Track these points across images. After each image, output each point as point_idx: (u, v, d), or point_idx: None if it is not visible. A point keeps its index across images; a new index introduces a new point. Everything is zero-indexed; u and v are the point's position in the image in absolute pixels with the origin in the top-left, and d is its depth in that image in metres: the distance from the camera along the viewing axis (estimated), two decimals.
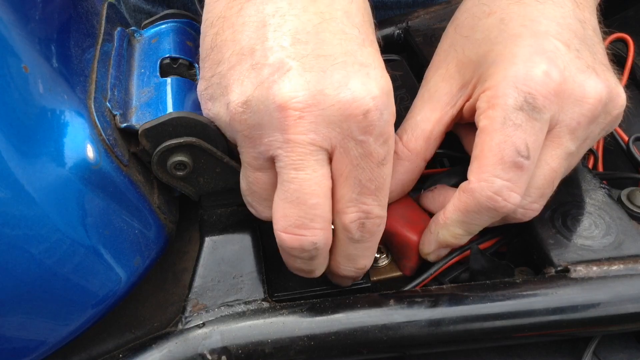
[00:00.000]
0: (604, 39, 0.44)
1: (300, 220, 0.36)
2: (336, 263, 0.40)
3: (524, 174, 0.38)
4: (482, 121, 0.40)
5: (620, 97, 0.40)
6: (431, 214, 0.46)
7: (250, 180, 0.39)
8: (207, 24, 0.39)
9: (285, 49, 0.34)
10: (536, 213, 0.42)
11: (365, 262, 0.41)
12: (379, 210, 0.37)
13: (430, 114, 0.44)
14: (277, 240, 0.38)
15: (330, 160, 0.36)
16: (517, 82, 0.38)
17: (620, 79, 0.43)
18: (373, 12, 0.39)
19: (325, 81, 0.34)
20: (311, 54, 0.34)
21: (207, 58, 0.39)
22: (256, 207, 0.41)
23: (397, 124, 0.41)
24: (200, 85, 0.40)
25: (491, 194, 0.38)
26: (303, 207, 0.36)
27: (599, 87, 0.39)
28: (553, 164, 0.39)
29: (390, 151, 0.37)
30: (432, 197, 0.46)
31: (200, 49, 0.40)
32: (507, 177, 0.38)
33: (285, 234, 0.37)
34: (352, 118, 0.34)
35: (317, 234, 0.36)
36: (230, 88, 0.36)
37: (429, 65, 0.47)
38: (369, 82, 0.34)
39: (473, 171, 0.40)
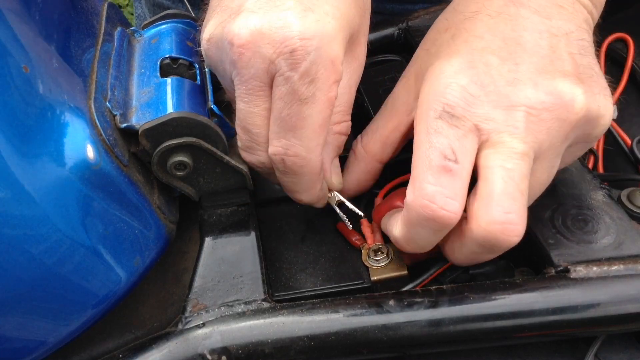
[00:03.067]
0: (602, 41, 0.43)
1: (248, 144, 0.43)
2: (275, 178, 0.45)
3: (457, 179, 0.37)
4: (414, 138, 0.41)
5: (576, 101, 0.38)
6: None
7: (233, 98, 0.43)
8: None
9: None
10: (518, 227, 0.38)
11: (301, 197, 0.45)
12: (298, 149, 0.40)
13: (388, 121, 0.46)
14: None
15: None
16: (436, 96, 0.39)
17: (613, 90, 0.42)
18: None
19: (265, 21, 0.37)
20: (262, 3, 0.38)
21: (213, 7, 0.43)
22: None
23: None
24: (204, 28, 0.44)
25: (425, 202, 0.37)
26: (249, 134, 0.42)
27: (530, 94, 0.38)
28: (506, 165, 0.38)
29: (317, 94, 0.38)
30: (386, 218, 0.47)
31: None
32: (438, 183, 0.37)
33: (242, 151, 0.44)
34: (281, 55, 0.37)
35: (262, 156, 0.43)
36: (204, 28, 0.43)
37: None
38: (305, 23, 0.37)
39: (409, 186, 0.39)
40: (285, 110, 0.39)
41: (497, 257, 0.45)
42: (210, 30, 0.41)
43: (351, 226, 0.47)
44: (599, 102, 0.39)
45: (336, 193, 0.47)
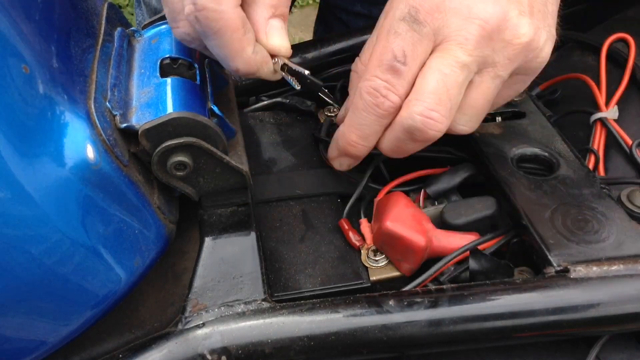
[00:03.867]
0: (603, 41, 0.44)
1: (171, 16, 0.44)
2: None
3: (401, 78, 0.43)
4: (375, 31, 0.46)
5: (521, 27, 0.42)
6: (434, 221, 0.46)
7: None
8: None
9: None
10: (438, 124, 0.43)
11: (236, 64, 0.44)
12: (205, 1, 0.40)
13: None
14: None
15: None
16: None
17: (558, 30, 0.46)
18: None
19: None
20: None
21: None
22: None
23: None
24: None
25: (371, 89, 0.43)
26: (168, 4, 0.44)
27: (490, 10, 0.42)
28: (445, 70, 0.43)
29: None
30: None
31: None
32: (385, 78, 0.43)
33: (173, 29, 0.45)
34: None
35: (183, 26, 0.44)
36: None
37: None
38: None
39: (362, 75, 0.45)
40: None
41: (497, 257, 0.45)
42: None
43: (298, 87, 0.48)
44: (541, 36, 0.44)
45: (280, 58, 0.46)
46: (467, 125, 0.46)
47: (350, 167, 0.51)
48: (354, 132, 0.46)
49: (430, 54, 0.43)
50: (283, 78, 0.47)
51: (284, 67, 0.46)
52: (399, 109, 0.44)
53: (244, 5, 0.43)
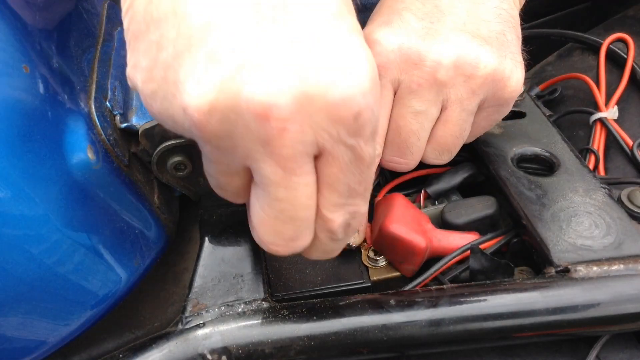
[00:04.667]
0: (602, 41, 0.44)
1: (295, 235, 0.33)
2: (309, 254, 0.37)
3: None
4: None
5: (481, 60, 0.42)
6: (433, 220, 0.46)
7: (220, 183, 0.34)
8: None
9: (248, 31, 0.27)
10: (403, 166, 0.47)
11: (338, 252, 0.38)
12: (364, 208, 0.34)
13: None
14: (262, 246, 0.35)
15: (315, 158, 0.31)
16: None
17: (523, 62, 0.46)
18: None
19: (307, 78, 0.27)
20: (282, 38, 0.28)
21: (141, 37, 0.30)
22: (227, 198, 0.36)
23: None
24: (136, 75, 0.31)
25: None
26: (296, 222, 0.32)
27: (444, 51, 0.42)
28: (399, 122, 0.45)
29: (377, 145, 0.41)
30: None
31: (127, 23, 0.31)
32: None
33: (275, 246, 0.34)
34: (341, 122, 0.28)
35: (307, 240, 0.34)
36: (182, 86, 0.28)
37: None
38: (356, 71, 0.28)
39: None
40: (353, 179, 0.31)
41: (497, 257, 0.45)
42: (208, 95, 0.28)
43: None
44: (505, 65, 0.43)
45: None
46: (438, 159, 0.48)
47: None
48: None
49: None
50: None
51: None
52: (378, 157, 0.46)
53: None
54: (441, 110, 0.45)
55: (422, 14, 0.44)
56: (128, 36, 0.32)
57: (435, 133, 0.46)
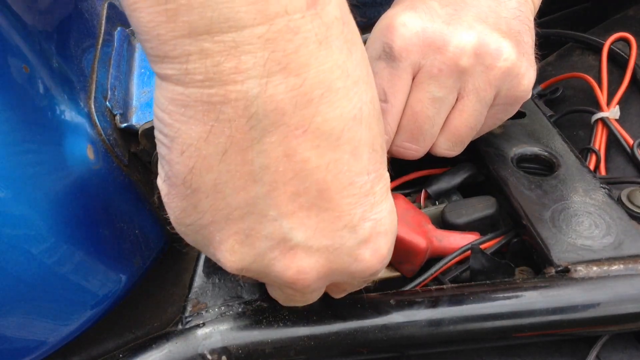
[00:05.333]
0: (604, 40, 0.43)
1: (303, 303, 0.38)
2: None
3: (385, 115, 0.44)
4: None
5: (502, 52, 0.42)
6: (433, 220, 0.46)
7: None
8: (175, 141, 0.28)
9: (285, 216, 0.29)
10: (414, 153, 0.47)
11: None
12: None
13: None
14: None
15: None
16: (379, 34, 0.44)
17: (537, 56, 0.46)
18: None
19: (334, 259, 0.31)
20: (314, 217, 0.30)
21: (179, 192, 0.30)
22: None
23: None
24: (171, 206, 0.31)
25: None
26: (306, 303, 0.37)
27: (467, 38, 0.42)
28: (415, 107, 0.44)
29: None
30: None
31: (163, 162, 0.30)
32: None
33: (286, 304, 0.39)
34: (357, 278, 0.33)
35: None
36: (217, 246, 0.31)
37: None
38: (378, 247, 0.32)
39: None
40: (353, 288, 0.38)
41: (497, 257, 0.45)
42: (242, 261, 0.31)
43: None
44: (522, 62, 0.43)
45: None
46: (450, 149, 0.47)
47: None
48: None
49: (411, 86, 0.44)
50: None
51: None
52: (390, 142, 0.46)
53: None
54: (457, 99, 0.44)
55: (445, 1, 0.44)
56: (161, 164, 0.31)
57: (450, 122, 0.45)
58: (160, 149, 0.30)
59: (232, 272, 0.31)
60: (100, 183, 0.37)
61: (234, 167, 0.28)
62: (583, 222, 0.44)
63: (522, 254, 0.46)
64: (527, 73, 0.44)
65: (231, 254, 0.30)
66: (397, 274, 0.46)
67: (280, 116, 0.27)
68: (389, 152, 0.47)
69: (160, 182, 0.31)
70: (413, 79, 0.44)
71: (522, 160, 0.51)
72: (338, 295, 0.38)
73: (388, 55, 0.43)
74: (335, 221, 0.30)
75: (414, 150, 0.47)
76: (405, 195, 0.51)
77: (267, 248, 0.30)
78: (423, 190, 0.51)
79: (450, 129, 0.46)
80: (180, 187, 0.29)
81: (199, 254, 0.44)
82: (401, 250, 0.45)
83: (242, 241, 0.30)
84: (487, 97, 0.44)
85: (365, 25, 0.50)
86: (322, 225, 0.30)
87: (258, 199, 0.29)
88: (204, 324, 0.40)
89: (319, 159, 0.28)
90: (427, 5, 0.43)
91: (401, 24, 0.43)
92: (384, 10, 0.46)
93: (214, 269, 0.43)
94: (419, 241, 0.44)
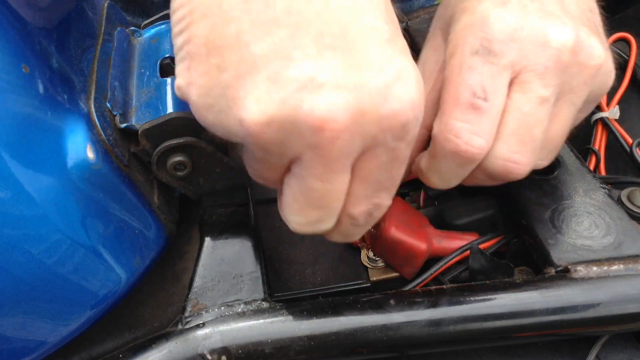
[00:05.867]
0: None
1: (320, 219, 0.36)
2: (330, 237, 0.39)
3: (484, 116, 0.38)
4: (445, 72, 0.40)
5: (594, 48, 0.39)
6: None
7: (261, 175, 0.37)
8: (195, 11, 0.32)
9: (310, 57, 0.30)
10: (522, 167, 0.39)
11: (358, 237, 0.40)
12: (388, 202, 0.36)
13: (424, 84, 0.44)
14: (287, 224, 0.37)
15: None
16: (474, 29, 0.39)
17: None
18: None
19: (363, 97, 0.30)
20: (340, 64, 0.30)
21: (199, 59, 0.32)
22: (265, 185, 0.38)
23: None
24: (191, 91, 0.34)
25: (451, 136, 0.38)
26: (325, 210, 0.35)
27: (564, 33, 0.39)
28: (524, 108, 0.39)
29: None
30: None
31: (181, 42, 0.34)
32: (464, 119, 0.38)
33: (300, 226, 0.36)
34: (390, 129, 0.32)
35: (331, 224, 0.36)
36: (241, 102, 0.31)
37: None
38: (408, 88, 0.31)
39: (436, 120, 0.40)
40: (385, 175, 0.34)
41: (497, 257, 0.45)
42: (268, 110, 0.30)
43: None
44: (609, 58, 0.40)
45: None
46: (546, 159, 0.42)
47: None
48: (434, 178, 0.42)
49: (509, 88, 0.39)
50: None
51: None
52: (484, 151, 0.38)
53: None
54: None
55: None
56: (181, 54, 0.34)
57: (549, 128, 0.40)
58: (177, 38, 0.33)
59: (256, 129, 0.30)
60: (99, 183, 0.37)
61: (256, 15, 0.30)
62: (583, 222, 0.44)
63: (522, 254, 0.46)
64: (612, 68, 0.41)
65: (257, 103, 0.30)
66: (397, 274, 0.46)
67: None
68: (484, 170, 0.40)
69: (181, 85, 0.33)
70: (511, 80, 0.39)
71: None
72: (367, 189, 0.34)
73: (487, 51, 0.39)
74: (361, 61, 0.30)
75: (521, 164, 0.39)
76: (405, 195, 0.51)
77: (294, 89, 0.30)
78: (423, 191, 0.51)
79: (549, 136, 0.41)
80: (203, 50, 0.31)
81: (198, 253, 0.44)
82: (402, 253, 0.45)
83: (267, 88, 0.30)
84: (580, 100, 0.41)
85: None
86: (349, 64, 0.30)
87: (283, 43, 0.30)
88: (203, 324, 0.40)
89: (339, 0, 0.30)
90: (517, 0, 0.40)
91: (499, 18, 0.39)
92: None
93: (214, 269, 0.43)
94: (420, 244, 0.44)
